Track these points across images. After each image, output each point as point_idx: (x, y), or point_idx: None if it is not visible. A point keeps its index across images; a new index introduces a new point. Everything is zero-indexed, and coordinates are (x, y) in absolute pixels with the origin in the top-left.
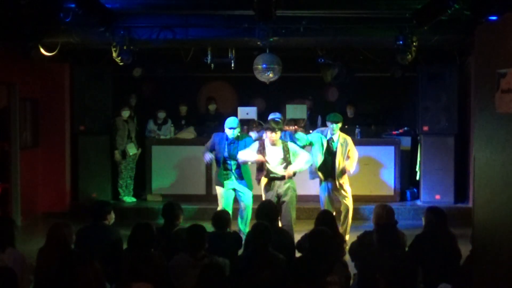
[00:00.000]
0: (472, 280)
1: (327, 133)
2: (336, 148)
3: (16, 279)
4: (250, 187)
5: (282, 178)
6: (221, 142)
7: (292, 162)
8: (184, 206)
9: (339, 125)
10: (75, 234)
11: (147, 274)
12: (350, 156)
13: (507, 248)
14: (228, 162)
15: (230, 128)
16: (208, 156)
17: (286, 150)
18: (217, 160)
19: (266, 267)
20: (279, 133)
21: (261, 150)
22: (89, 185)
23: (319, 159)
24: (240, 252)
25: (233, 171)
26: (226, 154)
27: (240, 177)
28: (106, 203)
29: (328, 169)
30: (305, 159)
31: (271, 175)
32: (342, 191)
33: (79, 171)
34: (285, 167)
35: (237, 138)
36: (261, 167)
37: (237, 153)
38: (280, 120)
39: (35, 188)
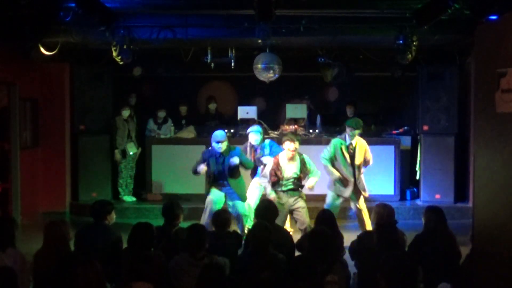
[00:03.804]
0: (472, 280)
1: (344, 139)
2: (356, 152)
3: (16, 279)
4: (242, 198)
5: (293, 190)
6: (210, 159)
7: (312, 172)
8: (184, 206)
9: (359, 131)
10: (75, 234)
11: (147, 274)
12: (368, 159)
13: (507, 248)
14: (219, 180)
15: (217, 142)
16: (201, 167)
17: (303, 163)
18: (208, 175)
19: (266, 267)
20: (297, 143)
21: (276, 169)
22: (89, 185)
23: (342, 169)
24: (240, 251)
25: (224, 187)
26: (216, 171)
27: (231, 191)
28: (108, 203)
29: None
30: (317, 175)
31: (283, 188)
32: (360, 194)
33: (79, 171)
34: (298, 180)
35: (224, 153)
36: (275, 182)
37: (226, 168)
38: (262, 131)
39: (35, 188)
